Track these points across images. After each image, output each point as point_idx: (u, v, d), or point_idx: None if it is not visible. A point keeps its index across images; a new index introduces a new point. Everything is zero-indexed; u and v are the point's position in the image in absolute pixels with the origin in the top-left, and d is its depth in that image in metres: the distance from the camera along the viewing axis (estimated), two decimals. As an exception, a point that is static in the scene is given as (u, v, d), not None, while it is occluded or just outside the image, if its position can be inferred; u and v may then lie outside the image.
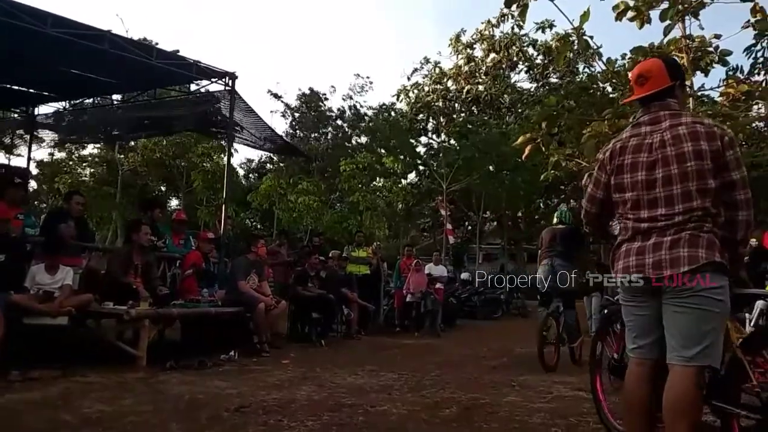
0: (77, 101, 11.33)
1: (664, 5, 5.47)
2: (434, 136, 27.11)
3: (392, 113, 26.53)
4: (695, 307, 2.35)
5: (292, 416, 3.74)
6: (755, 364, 2.56)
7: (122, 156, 23.79)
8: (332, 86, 31.09)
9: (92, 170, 25.93)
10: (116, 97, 11.16)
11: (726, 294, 2.40)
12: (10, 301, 5.20)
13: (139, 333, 5.98)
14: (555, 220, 7.89)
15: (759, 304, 3.17)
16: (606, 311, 9.92)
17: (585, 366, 6.83)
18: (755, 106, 6.21)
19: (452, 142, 22.61)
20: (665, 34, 5.62)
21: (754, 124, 7.05)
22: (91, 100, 11.25)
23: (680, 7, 5.43)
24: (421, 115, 26.62)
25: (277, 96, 27.34)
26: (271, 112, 27.46)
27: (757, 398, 2.46)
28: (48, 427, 3.28)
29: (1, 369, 4.85)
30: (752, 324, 3.17)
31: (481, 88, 25.57)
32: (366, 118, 27.44)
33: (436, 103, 26.30)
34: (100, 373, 5.14)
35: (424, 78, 27.02)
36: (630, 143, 2.60)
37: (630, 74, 3.07)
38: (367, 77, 34.08)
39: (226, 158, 8.97)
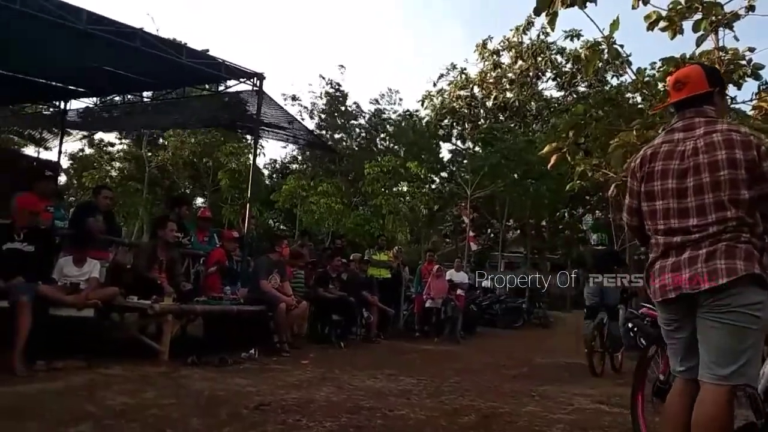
0: (107, 98, 11.56)
1: (698, 16, 5.38)
2: (459, 142, 27.03)
3: (416, 119, 26.50)
4: (732, 323, 2.24)
5: (310, 416, 3.75)
6: None
7: (150, 153, 24.15)
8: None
9: (120, 165, 26.36)
10: (146, 94, 11.36)
11: (765, 309, 2.29)
12: (38, 292, 5.29)
13: (162, 328, 6.07)
14: (594, 242, 8.81)
15: None
16: (631, 324, 9.98)
17: (615, 376, 6.95)
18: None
19: (477, 148, 22.56)
20: (698, 45, 5.53)
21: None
22: (120, 98, 11.47)
23: (714, 18, 5.34)
24: (445, 121, 26.56)
25: (294, 98, 26.89)
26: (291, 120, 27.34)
27: None
28: (71, 417, 3.34)
29: (26, 359, 4.96)
30: None
31: (509, 95, 25.47)
32: (390, 121, 27.38)
33: (462, 110, 26.23)
34: (123, 366, 5.21)
35: (449, 85, 26.99)
36: (662, 149, 2.51)
37: (665, 81, 3.01)
38: (397, 91, 33.73)
39: (252, 157, 9.04)
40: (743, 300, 2.24)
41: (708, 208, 2.33)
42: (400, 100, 38.27)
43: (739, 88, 5.98)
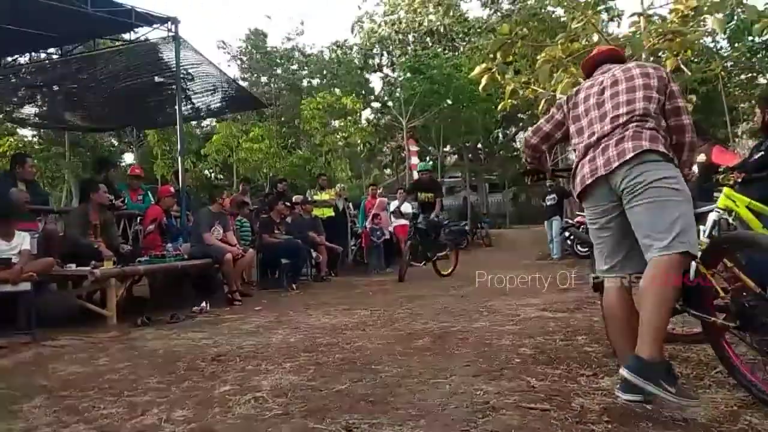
0: (11, 59, 10.70)
1: None
2: (390, 71, 26.72)
3: (345, 50, 25.96)
4: (653, 199, 2.38)
5: (269, 360, 3.80)
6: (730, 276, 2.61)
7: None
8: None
9: (34, 132, 24.70)
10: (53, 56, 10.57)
11: (681, 182, 2.45)
12: (-32, 272, 5.05)
13: (106, 293, 5.93)
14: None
15: (712, 215, 3.23)
16: (568, 233, 10.41)
17: (554, 285, 7.25)
18: (704, 23, 6.28)
19: (407, 76, 22.39)
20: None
21: (702, 40, 7.15)
22: (28, 57, 10.64)
23: None
24: (375, 50, 26.15)
25: (224, 44, 26.53)
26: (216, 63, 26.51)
27: (731, 308, 2.52)
28: (24, 393, 3.26)
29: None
30: (706, 236, 3.23)
31: (432, 18, 25.14)
32: (313, 57, 26.74)
33: (390, 36, 25.84)
34: (71, 336, 5.10)
35: (376, 5, 26.58)
36: (585, 84, 2.91)
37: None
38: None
39: (177, 108, 8.65)
40: (656, 175, 2.42)
41: (621, 105, 2.64)
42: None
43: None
